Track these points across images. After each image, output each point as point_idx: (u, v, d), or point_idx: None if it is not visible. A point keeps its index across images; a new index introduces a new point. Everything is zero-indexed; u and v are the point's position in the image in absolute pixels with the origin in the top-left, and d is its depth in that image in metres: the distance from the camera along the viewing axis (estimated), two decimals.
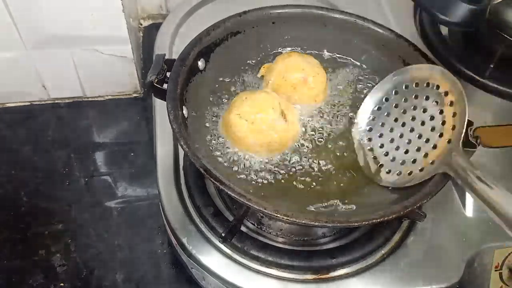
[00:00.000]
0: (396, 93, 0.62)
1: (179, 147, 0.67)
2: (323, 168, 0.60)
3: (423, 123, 0.57)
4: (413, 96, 0.59)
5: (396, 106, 0.61)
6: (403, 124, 0.59)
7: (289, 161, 0.60)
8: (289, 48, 0.71)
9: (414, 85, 0.60)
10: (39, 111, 0.90)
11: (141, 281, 0.70)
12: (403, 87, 0.61)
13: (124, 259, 0.72)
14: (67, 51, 0.83)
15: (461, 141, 0.52)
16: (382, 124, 0.62)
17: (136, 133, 0.88)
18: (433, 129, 0.56)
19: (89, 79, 0.89)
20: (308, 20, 0.70)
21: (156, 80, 0.57)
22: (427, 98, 0.58)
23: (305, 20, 0.70)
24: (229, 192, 0.49)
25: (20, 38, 0.79)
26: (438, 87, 0.57)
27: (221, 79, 0.66)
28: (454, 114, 0.54)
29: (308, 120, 0.64)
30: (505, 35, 0.74)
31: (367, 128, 0.63)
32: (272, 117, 0.58)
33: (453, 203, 0.68)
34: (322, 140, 0.62)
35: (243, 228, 0.64)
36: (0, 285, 0.69)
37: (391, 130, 0.60)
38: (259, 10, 0.68)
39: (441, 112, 0.56)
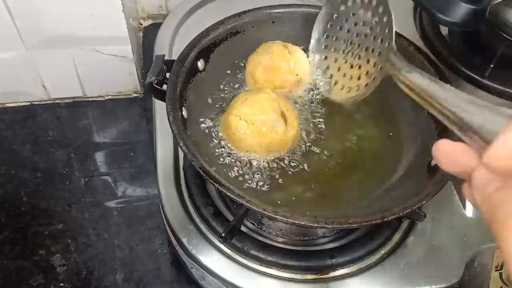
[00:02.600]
0: (336, 17, 0.64)
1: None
2: (323, 169, 0.60)
3: (365, 35, 0.59)
4: (351, 14, 0.62)
5: (340, 28, 0.63)
6: (350, 42, 0.61)
7: (289, 162, 0.60)
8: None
9: (351, 2, 0.62)
10: (39, 111, 0.90)
11: (141, 281, 0.70)
12: (344, 7, 0.63)
13: (124, 259, 0.72)
14: (67, 51, 0.83)
15: (393, 41, 0.55)
16: (329, 47, 0.64)
17: (136, 133, 0.88)
18: (374, 38, 0.58)
19: (89, 79, 0.89)
20: (307, 19, 0.70)
21: (155, 81, 0.57)
22: (363, 14, 0.60)
23: (305, 19, 0.70)
24: (228, 194, 0.49)
25: (20, 38, 0.79)
26: (370, 1, 0.59)
27: (221, 79, 0.66)
28: (386, 20, 0.56)
29: (308, 121, 0.64)
30: (505, 35, 0.74)
31: (321, 48, 0.66)
32: (272, 118, 0.58)
33: (453, 203, 0.68)
34: (321, 141, 0.62)
35: (243, 228, 0.64)
36: (0, 285, 0.69)
37: (339, 50, 0.63)
38: (259, 10, 0.68)
39: (376, 22, 0.58)
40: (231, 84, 0.67)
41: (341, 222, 0.49)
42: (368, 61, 0.58)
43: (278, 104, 0.59)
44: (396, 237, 0.65)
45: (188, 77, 0.60)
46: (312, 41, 0.67)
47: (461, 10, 0.60)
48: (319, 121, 0.65)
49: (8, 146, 0.85)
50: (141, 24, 1.03)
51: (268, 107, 0.59)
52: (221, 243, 0.62)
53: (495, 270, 0.65)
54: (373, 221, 0.49)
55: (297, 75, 0.65)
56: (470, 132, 0.33)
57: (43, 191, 0.79)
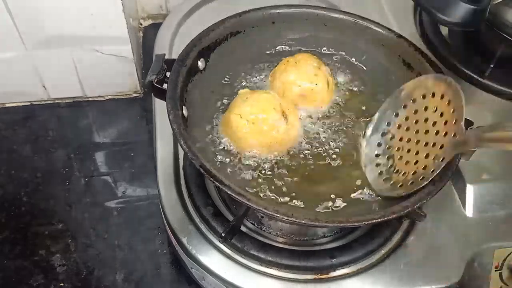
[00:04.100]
0: (396, 115, 0.61)
1: (179, 147, 0.67)
2: (324, 168, 0.60)
3: (427, 132, 0.57)
4: (413, 112, 0.59)
5: (399, 127, 0.61)
6: (408, 140, 0.59)
7: (290, 162, 0.60)
8: (289, 47, 0.71)
9: (411, 102, 0.59)
10: (39, 111, 0.90)
11: (141, 281, 0.70)
12: (402, 106, 0.61)
13: (124, 259, 0.72)
14: (67, 51, 0.83)
15: (463, 123, 0.52)
16: (388, 147, 0.61)
17: (136, 133, 0.88)
18: (437, 132, 0.55)
19: (89, 79, 0.89)
20: (308, 20, 0.70)
21: (156, 80, 0.57)
22: (426, 109, 0.57)
23: (305, 20, 0.70)
24: (228, 192, 0.49)
25: (20, 38, 0.79)
26: (434, 94, 0.57)
27: (221, 79, 0.66)
28: (453, 111, 0.54)
29: (309, 121, 0.64)
30: (505, 35, 0.74)
31: (376, 144, 0.62)
32: (273, 117, 0.58)
33: (453, 203, 0.68)
34: (323, 140, 0.62)
35: (243, 228, 0.64)
36: (0, 285, 0.69)
37: (398, 149, 0.60)
38: (259, 10, 0.68)
39: (442, 114, 0.55)
40: (231, 83, 0.67)
41: (341, 221, 0.49)
42: (427, 156, 0.55)
43: (279, 103, 0.59)
44: (396, 237, 0.65)
45: (188, 76, 0.60)
46: (370, 127, 0.63)
47: (461, 10, 0.60)
48: (320, 120, 0.65)
49: (8, 146, 0.85)
50: (141, 24, 1.03)
51: (269, 106, 0.58)
52: (221, 243, 0.62)
53: (495, 270, 0.65)
54: (374, 220, 0.49)
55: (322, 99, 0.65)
56: None
57: (43, 191, 0.79)
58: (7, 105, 0.90)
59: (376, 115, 0.63)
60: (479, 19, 0.61)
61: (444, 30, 0.85)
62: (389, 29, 0.69)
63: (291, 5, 0.70)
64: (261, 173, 0.58)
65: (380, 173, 0.59)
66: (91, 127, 0.89)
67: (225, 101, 0.64)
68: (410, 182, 0.55)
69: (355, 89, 0.69)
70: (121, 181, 0.81)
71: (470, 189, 0.67)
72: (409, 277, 0.62)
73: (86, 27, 0.79)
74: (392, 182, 0.57)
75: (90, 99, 0.92)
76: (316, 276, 0.61)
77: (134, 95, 0.93)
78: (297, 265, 0.60)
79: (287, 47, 0.71)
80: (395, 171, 0.58)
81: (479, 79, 0.76)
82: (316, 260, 0.60)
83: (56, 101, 0.91)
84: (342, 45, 0.71)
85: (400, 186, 0.56)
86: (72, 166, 0.83)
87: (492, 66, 0.79)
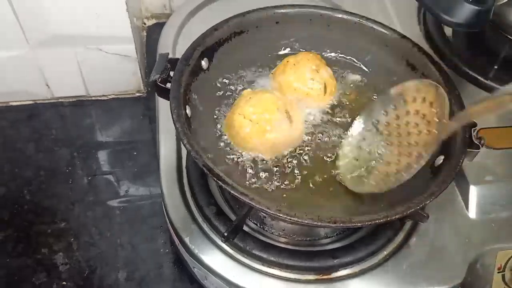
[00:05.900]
0: (385, 114, 0.62)
1: (182, 146, 0.68)
2: (328, 169, 0.60)
3: (408, 134, 0.58)
4: (395, 116, 0.60)
5: (381, 133, 0.61)
6: (391, 144, 0.60)
7: (294, 162, 0.60)
8: (289, 49, 0.72)
9: (393, 107, 0.60)
10: (43, 109, 0.90)
11: (143, 280, 0.70)
12: (382, 113, 0.62)
13: (126, 258, 0.72)
14: (71, 50, 0.83)
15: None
16: (370, 144, 0.62)
17: (139, 132, 0.88)
18: (419, 133, 0.57)
19: (93, 78, 0.89)
20: (312, 20, 0.70)
21: (159, 79, 0.57)
22: (407, 113, 0.59)
23: (309, 20, 0.70)
24: (231, 191, 0.49)
25: (24, 37, 0.79)
26: (415, 99, 0.58)
27: (224, 78, 0.67)
28: (437, 112, 0.56)
29: (313, 121, 0.64)
30: (509, 37, 0.74)
31: (358, 145, 0.62)
32: (276, 117, 0.58)
33: (456, 204, 0.68)
34: (326, 140, 0.62)
35: (245, 228, 0.64)
36: (2, 283, 0.69)
37: (382, 147, 0.61)
38: (263, 9, 0.68)
39: (424, 116, 0.57)
40: (235, 83, 0.67)
41: (344, 221, 0.49)
42: (410, 154, 0.57)
43: (283, 103, 0.59)
44: (399, 238, 0.65)
45: (192, 76, 0.60)
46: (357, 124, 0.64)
47: (465, 11, 0.60)
48: (324, 120, 0.65)
49: (11, 145, 0.85)
50: (145, 24, 1.04)
51: (273, 106, 0.58)
52: (224, 243, 0.62)
53: (498, 272, 0.64)
54: (377, 221, 0.49)
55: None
56: None
57: (46, 190, 0.79)
58: (11, 103, 0.90)
59: (363, 116, 0.63)
60: (484, 20, 0.61)
61: (448, 31, 0.85)
62: (393, 29, 0.68)
63: (294, 5, 0.70)
64: (264, 173, 0.58)
65: (356, 170, 0.60)
66: (94, 126, 0.89)
67: (228, 100, 0.65)
68: (391, 178, 0.57)
69: (358, 89, 0.68)
70: (124, 180, 0.81)
71: (473, 190, 0.67)
72: (412, 278, 0.62)
73: (90, 26, 0.79)
74: (366, 180, 0.59)
75: (93, 98, 0.92)
76: (318, 277, 0.61)
77: (138, 94, 0.94)
78: (299, 265, 0.60)
79: (289, 48, 0.71)
80: (372, 170, 0.59)
81: (483, 80, 0.76)
82: (318, 260, 0.60)
83: (60, 100, 0.91)
84: (345, 45, 0.71)
85: (375, 184, 0.58)
86: (75, 164, 0.83)
87: (496, 67, 0.79)
